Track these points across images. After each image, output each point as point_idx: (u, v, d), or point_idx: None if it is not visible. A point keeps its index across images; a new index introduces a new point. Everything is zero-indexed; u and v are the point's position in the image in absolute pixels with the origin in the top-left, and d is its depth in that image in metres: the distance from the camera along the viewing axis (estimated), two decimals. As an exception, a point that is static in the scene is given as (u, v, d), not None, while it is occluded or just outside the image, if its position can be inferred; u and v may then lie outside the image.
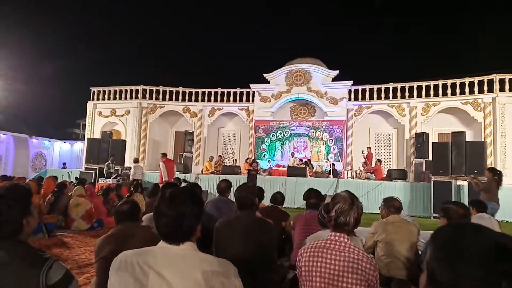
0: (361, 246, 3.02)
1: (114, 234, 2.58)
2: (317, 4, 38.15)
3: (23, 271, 1.48)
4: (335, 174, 14.17)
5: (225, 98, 18.59)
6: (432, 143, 11.66)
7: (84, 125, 22.24)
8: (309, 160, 15.70)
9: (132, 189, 7.94)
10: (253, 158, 15.97)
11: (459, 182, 10.54)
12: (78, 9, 36.20)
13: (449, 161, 10.30)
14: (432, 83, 15.68)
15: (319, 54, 18.80)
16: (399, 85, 16.26)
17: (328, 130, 16.95)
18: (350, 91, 16.89)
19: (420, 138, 12.65)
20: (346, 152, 16.70)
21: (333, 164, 15.11)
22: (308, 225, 3.91)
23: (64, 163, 20.96)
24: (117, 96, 19.12)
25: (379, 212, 4.05)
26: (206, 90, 18.76)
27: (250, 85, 17.99)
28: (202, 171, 15.69)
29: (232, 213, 3.25)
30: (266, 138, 17.77)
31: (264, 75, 17.85)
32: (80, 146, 22.57)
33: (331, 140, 16.84)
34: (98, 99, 19.43)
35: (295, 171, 12.95)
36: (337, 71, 16.92)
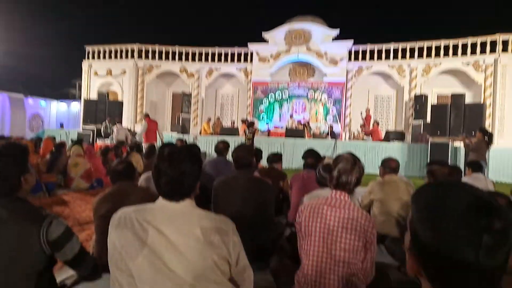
0: (357, 204, 3.07)
1: (111, 193, 2.59)
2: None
3: (22, 227, 1.49)
4: (333, 135, 14.20)
5: (222, 58, 18.24)
6: (432, 105, 11.60)
7: (80, 85, 21.95)
8: (308, 122, 15.68)
9: (128, 149, 7.95)
10: (251, 121, 15.89)
11: (456, 144, 10.61)
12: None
13: (447, 123, 10.30)
14: (433, 43, 15.37)
15: (320, 12, 18.21)
16: (400, 45, 15.94)
17: (327, 91, 16.81)
18: (350, 51, 16.57)
19: (420, 100, 12.57)
20: (344, 113, 16.66)
21: (331, 126, 15.11)
22: (305, 185, 3.96)
23: (62, 124, 20.89)
24: (113, 55, 18.74)
25: (377, 172, 4.10)
26: (203, 50, 18.36)
27: (249, 44, 17.59)
28: (200, 132, 15.70)
29: (230, 173, 3.27)
30: (264, 100, 17.64)
31: (263, 33, 17.41)
32: (77, 106, 22.37)
33: (330, 102, 16.75)
34: (93, 58, 19.04)
35: (293, 133, 12.96)
36: (338, 30, 16.52)
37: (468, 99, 13.13)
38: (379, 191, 3.71)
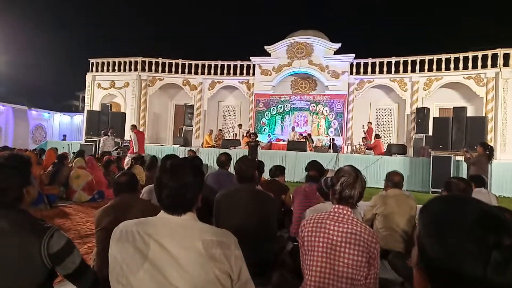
0: (360, 218, 3.05)
1: (113, 205, 2.59)
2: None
3: (24, 239, 1.48)
4: (335, 148, 14.19)
5: (225, 71, 18.36)
6: (433, 118, 11.60)
7: (83, 97, 22.09)
8: (309, 134, 15.69)
9: (132, 161, 7.97)
10: (252, 131, 15.91)
11: (458, 158, 10.57)
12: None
13: (449, 136, 10.27)
14: (435, 57, 15.45)
15: (322, 27, 18.37)
16: (401, 59, 16.03)
17: (329, 104, 16.85)
18: (352, 64, 16.67)
19: (421, 113, 12.58)
20: (346, 126, 16.67)
21: (333, 139, 15.10)
22: (307, 198, 3.93)
23: (64, 135, 20.98)
24: (116, 68, 18.89)
25: (379, 186, 4.09)
26: (206, 63, 18.50)
27: (251, 57, 17.73)
28: (202, 144, 15.71)
29: (232, 186, 3.26)
30: (267, 112, 17.69)
31: (265, 47, 17.56)
32: (79, 119, 22.49)
33: (331, 115, 16.77)
34: (97, 70, 19.20)
35: (295, 146, 12.96)
36: (339, 44, 16.64)
37: (470, 113, 13.13)
38: (382, 205, 3.69)
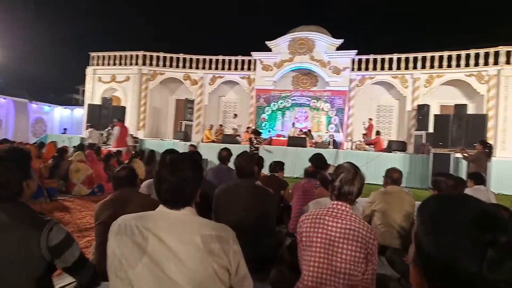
0: (359, 215, 3.06)
1: (112, 199, 2.59)
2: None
3: (23, 232, 1.49)
4: (335, 145, 14.19)
5: (226, 66, 18.31)
6: (434, 115, 11.59)
7: (83, 91, 22.06)
8: (309, 130, 15.68)
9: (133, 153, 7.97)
10: (256, 129, 15.86)
11: (458, 155, 10.57)
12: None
13: (449, 134, 10.27)
14: (437, 54, 15.40)
15: (324, 22, 18.30)
16: (403, 56, 15.98)
17: (329, 100, 16.81)
18: (353, 61, 16.61)
19: (422, 110, 12.56)
20: (347, 123, 16.65)
21: (333, 135, 15.10)
22: (306, 194, 3.94)
23: (65, 129, 20.97)
24: (117, 62, 18.84)
25: (379, 183, 4.10)
26: (207, 58, 18.44)
27: (252, 53, 17.67)
28: (202, 139, 15.71)
29: (232, 181, 3.27)
30: (267, 108, 17.66)
31: (266, 42, 17.49)
32: (80, 112, 22.46)
33: (332, 111, 16.74)
34: (97, 64, 19.15)
35: (295, 141, 12.96)
36: (342, 40, 16.57)
37: (471, 110, 13.11)
38: (381, 202, 3.70)
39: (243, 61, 18.11)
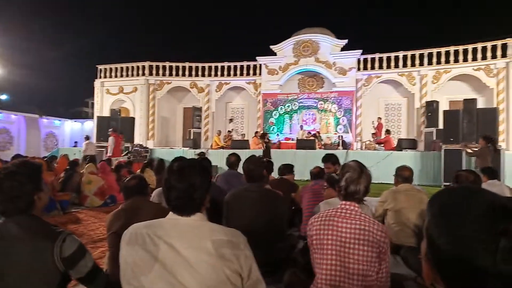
0: (370, 215, 3.03)
1: (124, 209, 2.61)
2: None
3: (36, 244, 1.51)
4: (344, 145, 14.12)
5: (232, 72, 18.39)
6: (443, 111, 11.46)
7: (92, 104, 22.32)
8: (318, 132, 15.63)
9: (144, 163, 8.03)
10: (264, 132, 15.87)
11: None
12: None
13: (460, 129, 10.15)
14: (443, 49, 15.27)
15: (328, 24, 18.30)
16: (409, 53, 15.87)
17: (336, 101, 16.76)
18: (359, 60, 16.55)
19: (431, 107, 12.44)
20: (355, 123, 16.56)
21: (342, 136, 15.02)
22: (315, 196, 3.93)
23: (76, 142, 21.21)
24: (124, 73, 19.06)
25: (390, 182, 4.07)
26: (213, 65, 18.56)
27: (257, 57, 17.73)
28: (211, 146, 15.76)
29: (241, 186, 3.27)
30: (275, 112, 17.66)
31: (271, 47, 17.55)
32: (90, 125, 22.72)
33: (340, 112, 16.68)
34: (105, 77, 19.40)
35: (304, 144, 12.93)
36: (346, 41, 16.53)
37: (481, 105, 12.94)
38: (393, 201, 3.66)
39: (248, 66, 18.18)
